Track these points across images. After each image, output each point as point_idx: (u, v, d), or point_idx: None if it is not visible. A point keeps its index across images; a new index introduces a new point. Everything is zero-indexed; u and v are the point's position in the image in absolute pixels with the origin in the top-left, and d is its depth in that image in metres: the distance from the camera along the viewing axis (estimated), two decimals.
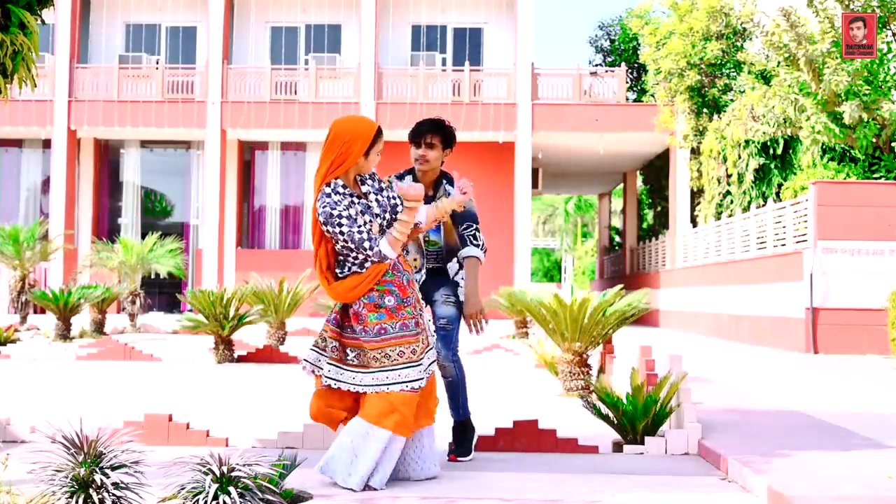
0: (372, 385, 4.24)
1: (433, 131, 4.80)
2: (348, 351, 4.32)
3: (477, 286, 4.84)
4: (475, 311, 4.82)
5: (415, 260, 4.90)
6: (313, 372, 4.40)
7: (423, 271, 4.91)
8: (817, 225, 13.68)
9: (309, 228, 25.02)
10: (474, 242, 4.86)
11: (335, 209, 4.20)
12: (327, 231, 4.24)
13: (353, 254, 4.30)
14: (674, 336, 19.13)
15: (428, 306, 4.84)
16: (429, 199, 4.76)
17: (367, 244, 4.23)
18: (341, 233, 4.22)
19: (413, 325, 4.31)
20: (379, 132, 4.32)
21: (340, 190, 4.27)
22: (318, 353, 4.42)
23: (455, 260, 4.92)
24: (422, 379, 4.27)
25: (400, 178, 4.89)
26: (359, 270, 4.31)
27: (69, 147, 23.52)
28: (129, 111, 23.45)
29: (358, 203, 4.27)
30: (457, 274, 4.91)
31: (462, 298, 4.87)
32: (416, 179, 4.88)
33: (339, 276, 4.35)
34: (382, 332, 4.27)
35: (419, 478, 4.40)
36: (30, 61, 4.51)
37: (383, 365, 4.25)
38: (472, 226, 4.86)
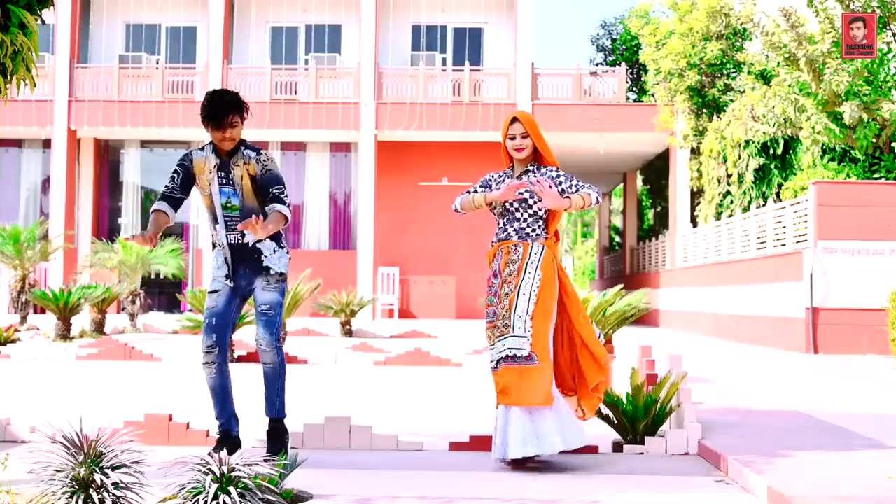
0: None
1: (235, 110, 4.65)
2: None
3: (273, 223, 4.68)
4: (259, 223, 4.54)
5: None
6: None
7: (227, 249, 4.82)
8: (817, 225, 13.68)
9: (310, 228, 25.09)
10: (284, 202, 4.76)
11: None
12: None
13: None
14: (674, 336, 19.13)
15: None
16: (225, 166, 4.76)
17: None
18: None
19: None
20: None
21: None
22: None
23: (267, 244, 4.84)
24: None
25: (202, 149, 4.86)
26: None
27: (69, 147, 23.52)
28: (129, 111, 23.45)
29: None
30: (267, 259, 4.86)
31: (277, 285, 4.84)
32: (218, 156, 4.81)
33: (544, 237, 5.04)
34: None
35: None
36: (30, 61, 4.51)
37: None
38: (281, 188, 4.79)
